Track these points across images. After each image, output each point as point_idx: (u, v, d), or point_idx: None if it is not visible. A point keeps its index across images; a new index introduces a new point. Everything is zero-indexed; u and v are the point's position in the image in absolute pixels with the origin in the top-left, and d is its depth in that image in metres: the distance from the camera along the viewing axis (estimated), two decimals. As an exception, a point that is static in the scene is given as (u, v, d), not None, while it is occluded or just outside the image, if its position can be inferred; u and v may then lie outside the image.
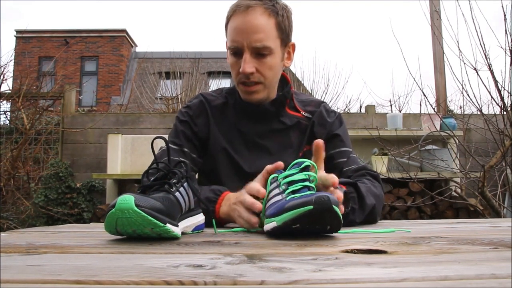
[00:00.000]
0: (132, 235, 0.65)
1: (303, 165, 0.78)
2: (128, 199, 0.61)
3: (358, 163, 1.21)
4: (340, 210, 0.67)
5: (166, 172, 0.76)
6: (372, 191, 1.07)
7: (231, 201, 0.94)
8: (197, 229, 0.82)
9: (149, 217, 0.61)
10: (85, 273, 0.41)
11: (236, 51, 1.12)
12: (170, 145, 1.13)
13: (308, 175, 0.77)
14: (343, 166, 1.19)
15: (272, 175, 0.84)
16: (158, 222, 0.63)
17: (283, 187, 0.77)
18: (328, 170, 1.22)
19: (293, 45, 1.21)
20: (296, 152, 1.21)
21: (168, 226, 0.65)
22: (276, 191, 0.79)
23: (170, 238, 0.67)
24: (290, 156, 1.15)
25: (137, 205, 0.61)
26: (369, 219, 1.04)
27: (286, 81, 1.25)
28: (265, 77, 1.14)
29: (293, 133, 1.23)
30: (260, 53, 1.11)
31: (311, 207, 0.64)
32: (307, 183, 0.76)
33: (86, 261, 0.48)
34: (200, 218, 0.84)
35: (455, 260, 0.47)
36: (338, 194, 0.83)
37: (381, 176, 1.23)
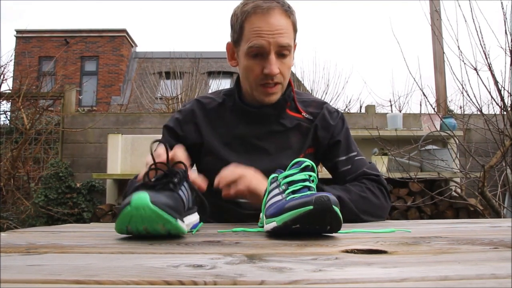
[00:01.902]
0: (141, 233, 0.66)
1: (303, 165, 0.78)
2: (143, 196, 0.62)
3: (360, 167, 1.19)
4: None
5: (167, 172, 0.77)
6: (350, 190, 1.09)
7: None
8: (193, 227, 0.84)
9: (163, 213, 0.63)
10: (85, 273, 0.41)
11: (258, 52, 1.10)
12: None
13: (308, 175, 0.77)
14: (347, 175, 1.19)
15: (272, 175, 0.84)
16: (171, 219, 0.64)
17: (283, 187, 0.77)
18: (334, 179, 1.24)
19: (295, 45, 1.21)
20: (296, 154, 1.19)
21: (179, 222, 0.66)
22: (276, 191, 0.79)
23: (170, 238, 0.67)
24: (289, 158, 1.14)
25: (152, 202, 0.62)
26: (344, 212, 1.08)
27: (289, 83, 1.24)
28: (285, 77, 1.15)
29: (293, 135, 1.22)
30: (282, 54, 1.11)
31: (311, 207, 0.64)
32: (307, 183, 0.76)
33: (86, 261, 0.48)
34: (196, 217, 0.86)
35: (455, 260, 0.47)
36: None
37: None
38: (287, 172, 0.79)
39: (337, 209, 0.65)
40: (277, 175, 0.82)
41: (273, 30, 1.08)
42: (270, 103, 1.17)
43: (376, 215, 1.12)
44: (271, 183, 0.83)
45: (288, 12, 1.12)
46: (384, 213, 1.16)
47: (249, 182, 0.99)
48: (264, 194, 0.85)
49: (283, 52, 1.11)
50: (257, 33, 1.09)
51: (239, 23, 1.12)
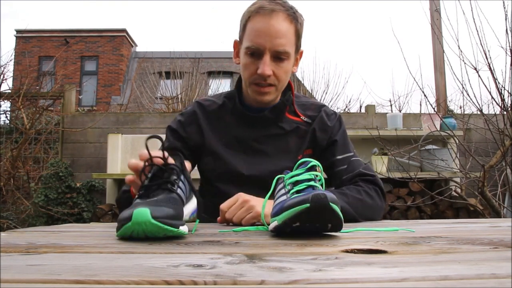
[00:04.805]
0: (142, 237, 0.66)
1: (309, 165, 0.79)
2: (144, 212, 0.61)
3: (357, 167, 1.21)
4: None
5: (163, 168, 0.77)
6: (347, 194, 1.10)
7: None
8: (192, 214, 0.84)
9: (165, 226, 0.63)
10: (85, 273, 0.41)
11: (255, 52, 1.12)
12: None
13: (314, 175, 0.78)
14: (343, 174, 1.21)
15: (278, 176, 0.85)
16: (173, 229, 0.64)
17: (288, 187, 0.77)
18: (329, 178, 1.26)
19: (301, 52, 1.23)
20: (294, 155, 1.22)
21: (180, 228, 0.66)
22: (282, 191, 0.80)
23: (170, 238, 0.67)
24: (288, 160, 1.18)
25: (153, 217, 0.61)
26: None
27: (289, 87, 1.26)
28: (279, 80, 1.16)
29: (291, 138, 1.24)
30: (279, 57, 1.12)
31: (307, 205, 0.64)
32: (312, 183, 0.76)
33: (86, 261, 0.48)
34: (194, 204, 0.86)
35: (455, 260, 0.47)
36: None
37: (381, 176, 1.23)
38: (293, 173, 0.80)
39: (335, 207, 0.65)
40: (283, 176, 0.83)
41: (272, 32, 1.09)
42: (263, 102, 1.19)
43: (371, 216, 1.13)
44: (278, 183, 0.84)
45: (292, 17, 1.12)
46: (378, 213, 1.17)
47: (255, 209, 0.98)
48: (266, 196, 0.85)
49: (280, 56, 1.12)
50: (256, 33, 1.11)
51: (243, 22, 1.16)
